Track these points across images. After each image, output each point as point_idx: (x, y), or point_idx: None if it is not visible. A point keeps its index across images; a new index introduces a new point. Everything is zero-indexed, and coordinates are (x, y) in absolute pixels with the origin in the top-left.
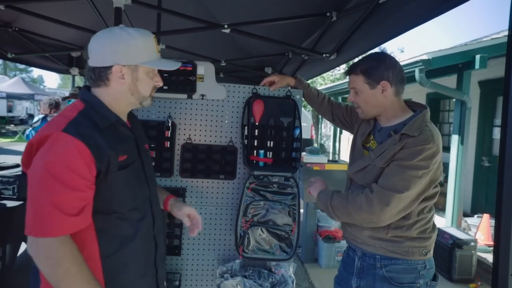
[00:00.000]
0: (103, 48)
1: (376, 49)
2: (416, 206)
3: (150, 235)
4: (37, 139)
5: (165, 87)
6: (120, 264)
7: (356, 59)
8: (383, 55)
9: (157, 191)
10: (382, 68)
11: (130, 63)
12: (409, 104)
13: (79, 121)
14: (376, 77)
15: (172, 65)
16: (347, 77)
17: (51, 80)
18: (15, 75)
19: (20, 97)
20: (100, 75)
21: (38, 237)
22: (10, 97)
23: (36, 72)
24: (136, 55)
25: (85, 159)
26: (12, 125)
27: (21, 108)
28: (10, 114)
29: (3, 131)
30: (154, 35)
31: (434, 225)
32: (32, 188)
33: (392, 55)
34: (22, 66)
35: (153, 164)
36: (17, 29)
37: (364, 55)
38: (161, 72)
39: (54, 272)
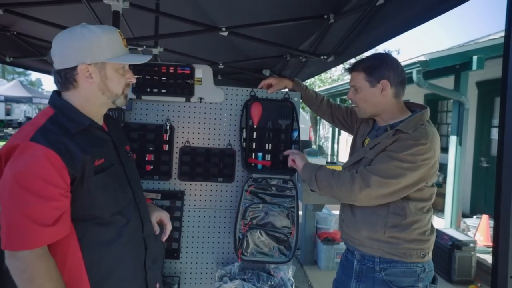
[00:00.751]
0: (65, 48)
1: (373, 50)
2: (406, 203)
3: (139, 238)
4: (5, 149)
5: (163, 90)
6: (107, 270)
7: (354, 60)
8: (386, 56)
9: None
10: (383, 67)
11: (95, 61)
12: (409, 105)
13: (48, 128)
14: (376, 76)
15: (140, 59)
16: (349, 74)
17: (50, 83)
18: (13, 78)
19: (18, 100)
20: (67, 77)
21: (14, 250)
22: (8, 100)
23: (34, 75)
24: (101, 52)
25: (56, 167)
26: (10, 128)
27: (19, 112)
28: (8, 118)
29: (1, 134)
30: (119, 30)
31: (432, 227)
32: (3, 201)
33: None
34: (20, 69)
35: (151, 166)
36: (15, 33)
37: (361, 56)
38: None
39: (28, 287)
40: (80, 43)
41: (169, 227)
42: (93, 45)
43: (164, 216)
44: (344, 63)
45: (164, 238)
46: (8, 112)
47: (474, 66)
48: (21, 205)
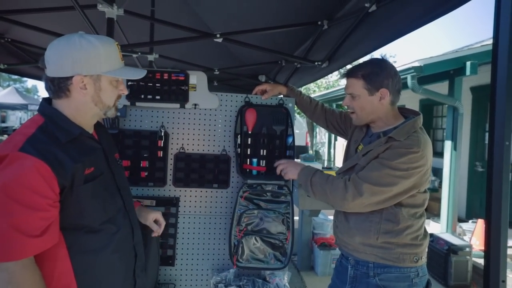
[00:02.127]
0: (62, 57)
1: (368, 56)
2: (399, 209)
3: (129, 245)
4: None
5: (158, 97)
6: (96, 278)
7: (349, 66)
8: (385, 63)
9: None
10: (383, 76)
11: (91, 73)
12: (403, 111)
13: (37, 138)
14: (376, 84)
15: (137, 74)
16: (345, 80)
17: (45, 90)
18: (8, 85)
19: (13, 107)
20: (60, 86)
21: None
22: (3, 107)
23: (30, 82)
24: (98, 64)
25: (45, 177)
26: (6, 136)
27: (15, 118)
28: (4, 125)
29: None
30: (116, 42)
31: (425, 231)
32: None
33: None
34: (16, 76)
35: (146, 172)
36: (9, 40)
37: (356, 62)
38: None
39: None
40: (78, 54)
41: (163, 225)
42: (91, 58)
43: (159, 215)
44: (339, 70)
45: (156, 234)
46: (3, 119)
47: (468, 72)
48: (8, 216)
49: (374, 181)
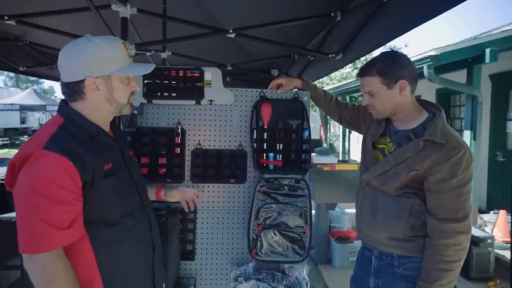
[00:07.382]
0: (72, 62)
1: (381, 48)
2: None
3: (148, 238)
4: (18, 158)
5: (174, 94)
6: (118, 270)
7: (363, 58)
8: (397, 53)
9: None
10: (398, 66)
11: (102, 74)
12: (420, 102)
13: (59, 136)
14: (393, 77)
15: (145, 69)
16: (359, 79)
17: (62, 95)
18: (27, 87)
19: (32, 108)
20: (75, 89)
21: (33, 253)
22: (23, 109)
23: (47, 83)
24: (107, 64)
25: (69, 173)
26: (26, 136)
27: (34, 119)
28: (23, 126)
29: (17, 142)
30: (123, 41)
31: None
32: (19, 207)
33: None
34: (33, 78)
35: (164, 169)
36: (28, 42)
37: (369, 54)
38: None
39: (47, 287)
40: (86, 57)
41: (196, 200)
42: (99, 59)
43: (185, 194)
44: (353, 62)
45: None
46: (23, 121)
47: (487, 59)
48: (38, 210)
49: (468, 211)
